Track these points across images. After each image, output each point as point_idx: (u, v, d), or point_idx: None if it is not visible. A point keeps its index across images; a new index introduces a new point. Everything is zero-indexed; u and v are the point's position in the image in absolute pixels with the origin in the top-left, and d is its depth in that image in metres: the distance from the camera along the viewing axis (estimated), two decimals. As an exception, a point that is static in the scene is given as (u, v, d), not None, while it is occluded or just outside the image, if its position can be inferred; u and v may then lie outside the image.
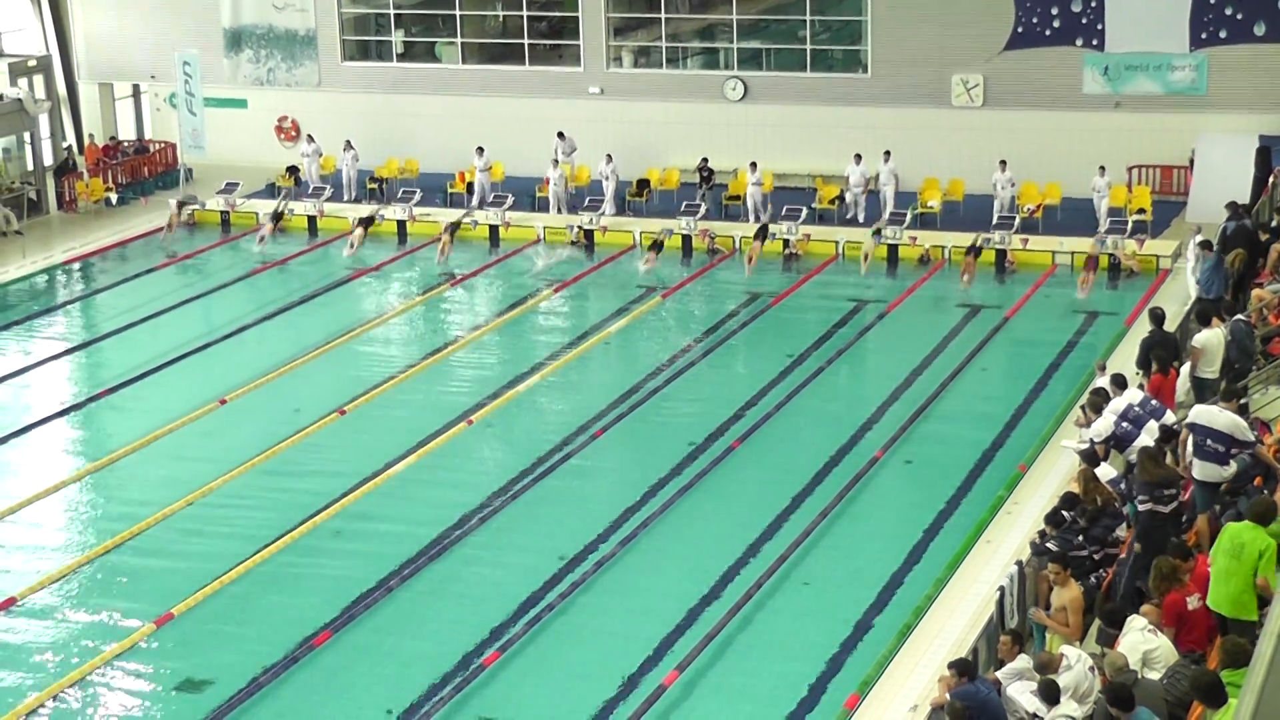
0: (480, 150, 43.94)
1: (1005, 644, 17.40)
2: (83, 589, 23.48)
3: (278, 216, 42.58)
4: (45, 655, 21.45)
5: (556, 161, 43.44)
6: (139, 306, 36.82)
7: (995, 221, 38.81)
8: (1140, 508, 18.83)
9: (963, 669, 16.85)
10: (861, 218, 40.96)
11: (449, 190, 44.87)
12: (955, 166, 42.20)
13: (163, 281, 39.10)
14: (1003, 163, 39.78)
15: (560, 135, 44.60)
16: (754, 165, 41.57)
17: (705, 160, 43.10)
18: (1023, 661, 17.10)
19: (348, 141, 45.33)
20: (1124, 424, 22.61)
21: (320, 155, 45.92)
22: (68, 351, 34.25)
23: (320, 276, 39.22)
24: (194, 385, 31.51)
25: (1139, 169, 41.39)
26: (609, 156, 42.73)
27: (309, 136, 46.54)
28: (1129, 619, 17.11)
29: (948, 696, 16.68)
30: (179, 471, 27.34)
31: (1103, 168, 39.00)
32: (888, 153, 40.86)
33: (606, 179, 42.52)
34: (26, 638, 21.96)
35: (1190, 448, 20.54)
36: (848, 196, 41.27)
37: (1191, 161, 39.74)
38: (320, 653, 21.25)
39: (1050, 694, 15.96)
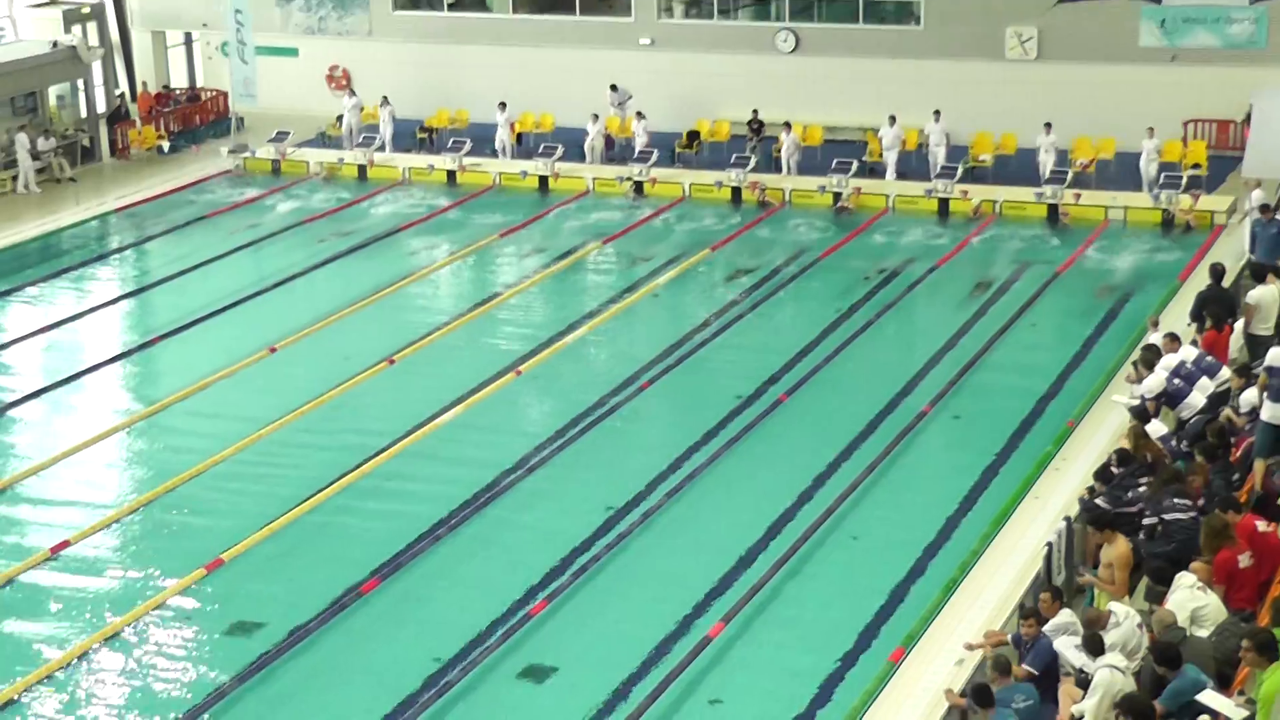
0: (502, 105, 43.85)
1: (1046, 600, 17.36)
2: (133, 534, 23.68)
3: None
4: (97, 599, 21.64)
5: (597, 116, 43.22)
6: (190, 254, 36.98)
7: (1047, 177, 38.50)
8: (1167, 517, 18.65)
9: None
10: (892, 176, 40.67)
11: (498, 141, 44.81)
12: (1008, 121, 41.85)
13: (214, 229, 39.23)
14: (1048, 125, 39.34)
15: (613, 87, 44.44)
16: (788, 125, 41.31)
17: (756, 112, 42.91)
18: (1065, 616, 17.08)
19: (385, 97, 45.29)
20: (1176, 380, 22.52)
21: (361, 108, 45.90)
22: (119, 298, 34.44)
23: (370, 226, 39.27)
24: (244, 333, 31.65)
25: (1194, 123, 40.99)
26: (640, 114, 42.59)
27: (350, 90, 46.55)
28: (1178, 576, 17.07)
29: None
30: (229, 419, 27.49)
31: (1151, 129, 38.47)
32: (937, 112, 40.49)
33: (638, 135, 42.40)
34: (78, 582, 22.15)
35: (1260, 393, 20.49)
36: (886, 157, 40.93)
37: (1248, 116, 39.28)
38: (368, 600, 21.37)
39: (1094, 648, 15.95)
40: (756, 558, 22.17)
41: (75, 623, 20.97)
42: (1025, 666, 16.61)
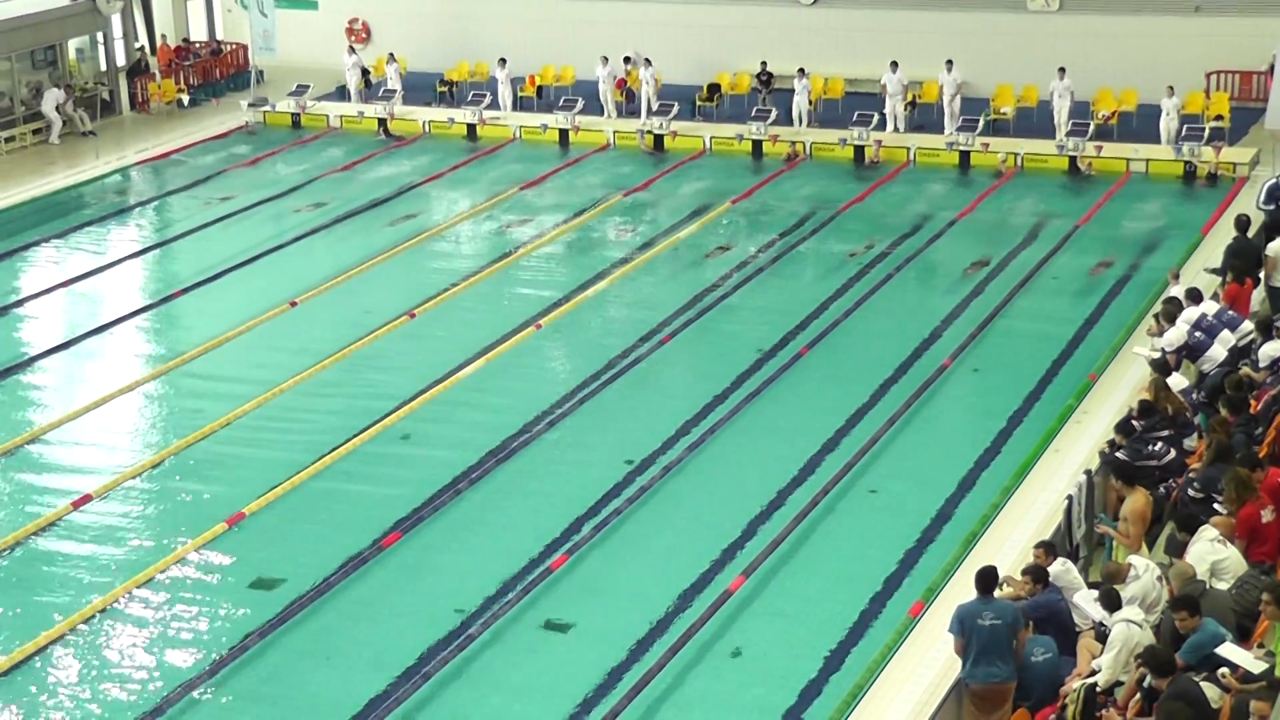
0: (502, 61, 43.72)
1: (1040, 555, 17.34)
2: (155, 488, 23.76)
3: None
4: (120, 552, 21.75)
5: (606, 59, 43.00)
6: (210, 208, 37.01)
7: (1068, 129, 38.31)
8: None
9: (1036, 576, 16.88)
10: (901, 128, 40.49)
11: (519, 94, 44.73)
12: (1030, 73, 41.64)
13: (234, 183, 39.25)
14: (1061, 70, 39.10)
15: (626, 59, 44.04)
16: (801, 71, 41.12)
17: (764, 64, 42.79)
18: (1059, 565, 17.12)
19: (390, 54, 45.20)
20: (1197, 334, 22.48)
21: (361, 66, 45.77)
22: (140, 252, 34.48)
23: (389, 180, 39.25)
24: (265, 287, 31.70)
25: (1217, 75, 40.75)
26: (646, 60, 42.43)
27: (350, 47, 46.43)
28: (1200, 529, 17.05)
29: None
30: (250, 372, 27.56)
31: (1171, 88, 38.21)
32: (949, 62, 40.22)
33: (645, 83, 42.24)
34: (102, 534, 22.26)
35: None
36: (886, 106, 40.67)
37: (1272, 67, 39.03)
38: (389, 554, 21.45)
39: (1112, 602, 15.97)
40: (777, 511, 22.20)
41: (98, 576, 21.07)
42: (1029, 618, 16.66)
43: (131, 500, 23.36)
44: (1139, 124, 39.53)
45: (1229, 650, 14.54)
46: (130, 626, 19.94)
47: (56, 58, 44.42)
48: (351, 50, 46.22)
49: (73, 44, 45.32)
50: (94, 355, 29.06)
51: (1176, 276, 25.81)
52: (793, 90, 41.26)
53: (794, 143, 39.64)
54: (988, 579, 16.18)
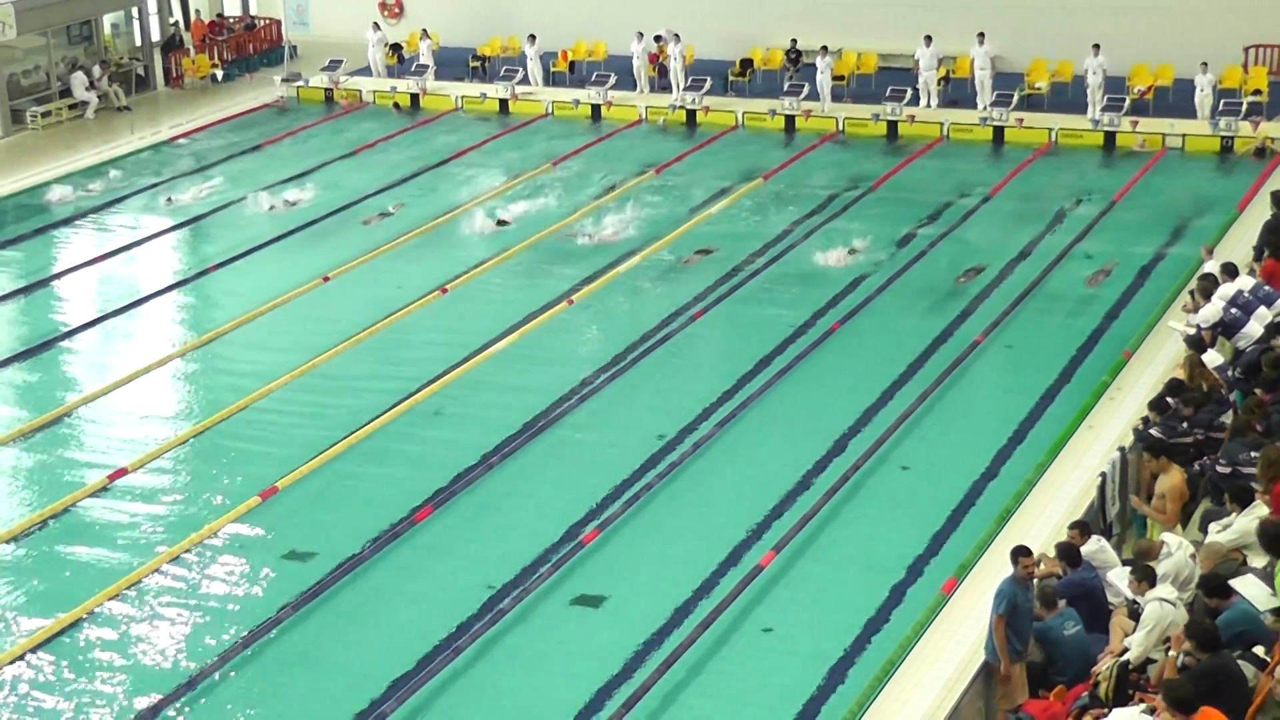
0: (532, 38, 43.67)
1: (1075, 535, 17.29)
2: (189, 462, 23.87)
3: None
4: (153, 526, 21.85)
5: (641, 34, 42.90)
6: (244, 183, 37.07)
7: (1103, 105, 38.10)
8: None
9: (1067, 555, 16.83)
10: (934, 104, 40.30)
11: (551, 69, 44.69)
12: (1064, 47, 41.37)
13: (267, 159, 39.32)
14: (1095, 46, 38.81)
15: (657, 38, 43.86)
16: (825, 49, 40.95)
17: (795, 42, 42.67)
18: (1094, 544, 17.07)
19: (424, 30, 45.24)
20: (1233, 310, 22.31)
21: (385, 43, 45.76)
22: (174, 228, 34.53)
23: (422, 155, 39.26)
24: (298, 262, 31.76)
25: (1255, 49, 40.44)
26: (676, 36, 42.33)
27: (374, 24, 46.39)
28: (1253, 504, 16.92)
29: (1052, 579, 16.69)
30: (283, 347, 27.63)
31: (1205, 64, 37.92)
32: (981, 35, 40.01)
33: (673, 59, 42.15)
34: (135, 509, 22.37)
35: None
36: (919, 81, 40.48)
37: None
38: (421, 528, 21.50)
39: (1146, 577, 15.91)
40: (808, 487, 22.17)
41: (132, 549, 21.18)
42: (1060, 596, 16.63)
43: (166, 474, 23.46)
44: (1175, 99, 39.28)
45: (1246, 583, 14.53)
46: (165, 598, 20.04)
47: (92, 33, 44.56)
48: (376, 26, 46.17)
49: (108, 19, 45.47)
50: (128, 330, 29.17)
51: (1210, 252, 25.66)
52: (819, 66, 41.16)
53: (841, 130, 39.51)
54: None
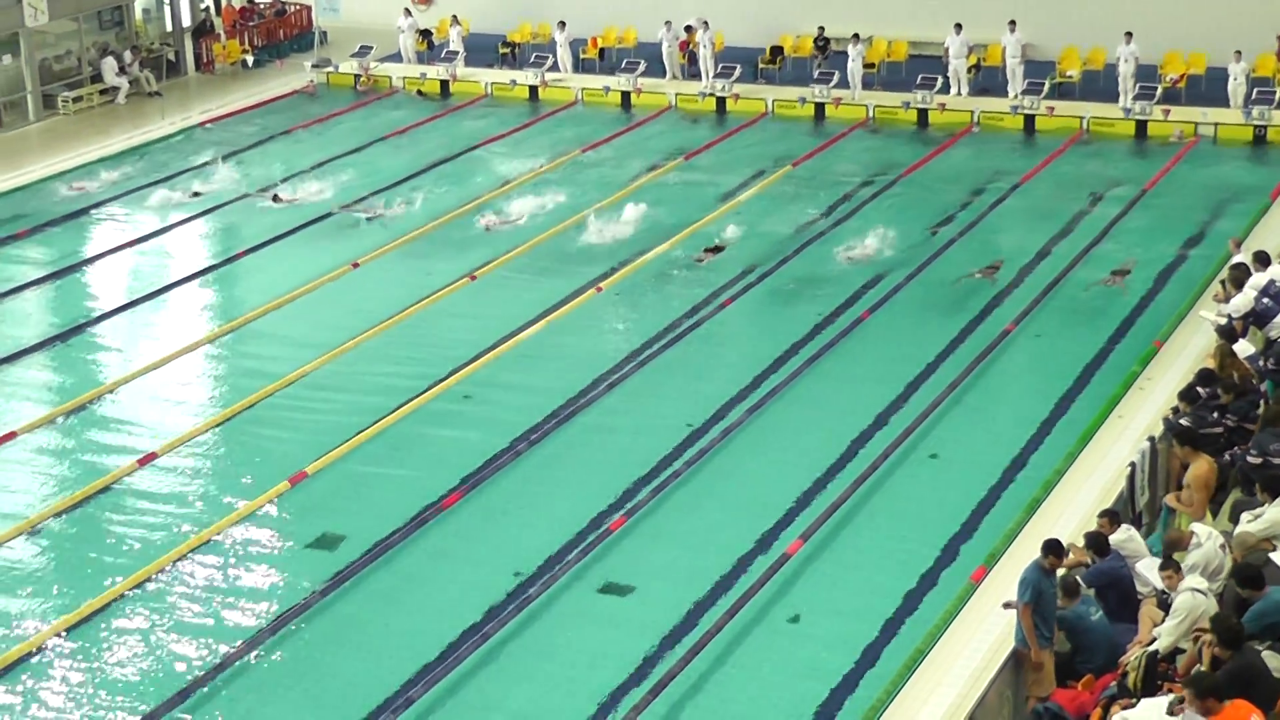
0: (561, 24, 43.67)
1: (1105, 524, 17.24)
2: (219, 447, 23.94)
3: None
4: (184, 508, 21.93)
5: (669, 23, 42.83)
6: (274, 170, 37.15)
7: (1135, 94, 37.94)
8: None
9: (1095, 545, 16.78)
10: (964, 91, 40.16)
11: (581, 56, 44.66)
12: (1096, 35, 41.17)
13: (297, 145, 39.40)
14: (1128, 35, 38.61)
15: (687, 28, 43.77)
16: (856, 36, 40.86)
17: (822, 29, 42.57)
18: (1123, 533, 17.02)
19: (454, 16, 45.29)
20: (1264, 300, 22.22)
21: (415, 30, 45.79)
22: (205, 213, 34.58)
23: (452, 142, 39.29)
24: (328, 248, 31.81)
25: (1290, 38, 40.26)
26: (705, 24, 42.25)
27: (405, 10, 46.39)
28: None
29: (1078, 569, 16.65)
30: (312, 332, 27.69)
31: (1239, 52, 37.70)
32: (1012, 22, 39.83)
33: (702, 46, 42.09)
34: (167, 491, 22.46)
35: None
36: (949, 69, 40.34)
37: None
38: (449, 515, 21.53)
39: (1177, 572, 15.86)
40: (836, 475, 22.15)
41: (163, 532, 21.26)
42: (1084, 583, 16.58)
43: (195, 458, 23.54)
44: (1208, 87, 39.08)
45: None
46: (194, 582, 20.12)
47: (123, 18, 44.69)
48: (407, 12, 46.20)
49: (139, 4, 45.66)
50: (159, 315, 29.29)
51: (1239, 245, 25.52)
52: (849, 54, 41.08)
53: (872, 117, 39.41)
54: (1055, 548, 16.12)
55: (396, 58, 45.88)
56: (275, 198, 34.67)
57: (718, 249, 30.88)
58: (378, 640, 18.86)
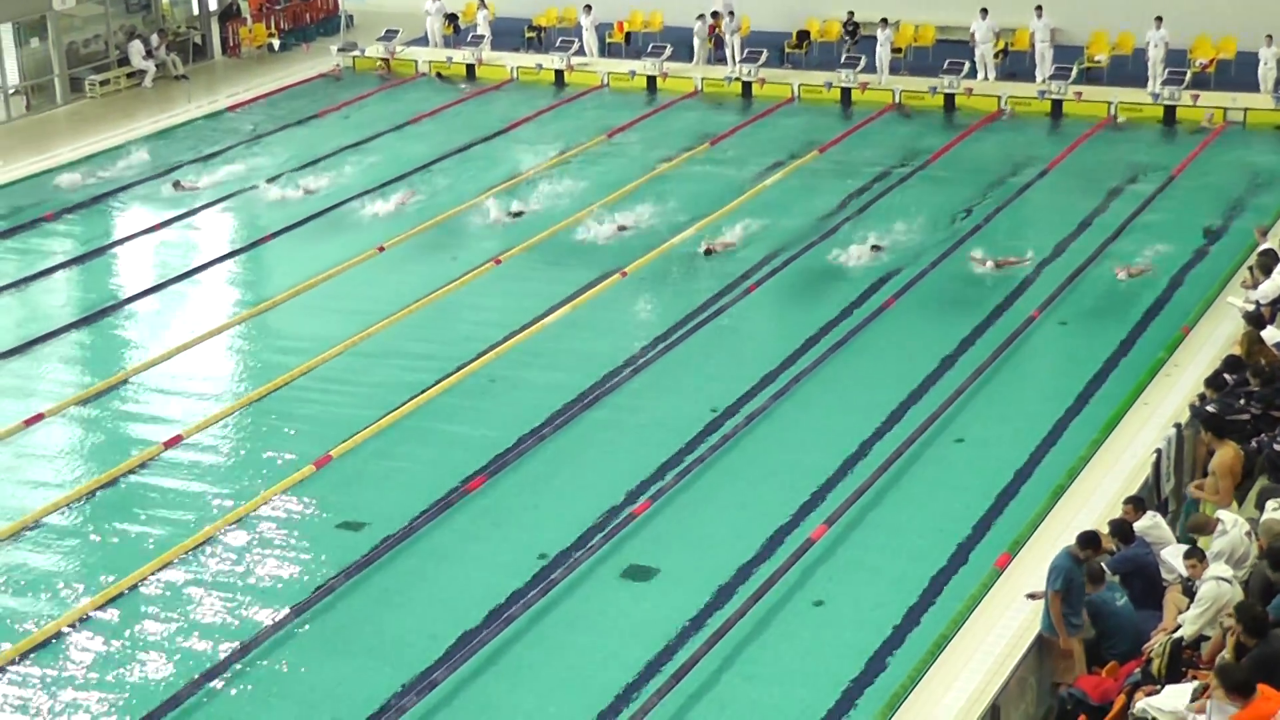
0: (588, 8, 43.60)
1: (1129, 511, 17.20)
2: (244, 430, 24.01)
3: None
4: (208, 494, 21.99)
5: (702, 16, 42.80)
6: (299, 153, 37.19)
7: (1164, 78, 37.78)
8: None
9: (1120, 532, 16.74)
10: (991, 76, 40.03)
11: (607, 40, 44.63)
12: (1124, 20, 40.98)
13: (322, 129, 39.44)
14: (1158, 19, 38.42)
15: (714, 13, 43.65)
16: (884, 21, 40.72)
17: (851, 14, 42.46)
18: (1148, 520, 16.99)
19: (481, 0, 45.24)
20: (1293, 286, 22.13)
21: (443, 13, 45.77)
22: (229, 196, 34.64)
23: (477, 125, 39.29)
24: (353, 232, 31.85)
25: (1321, 22, 40.02)
26: (731, 12, 42.18)
27: None
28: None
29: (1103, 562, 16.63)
30: (338, 317, 27.73)
31: (1270, 36, 37.50)
32: (1039, 8, 39.68)
33: (732, 34, 42.00)
34: (192, 474, 22.53)
35: None
36: (977, 54, 40.19)
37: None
38: (474, 498, 21.56)
39: (1202, 560, 15.83)
40: (861, 460, 22.12)
41: (189, 515, 21.33)
42: (1109, 570, 16.56)
43: (221, 441, 23.61)
44: (1237, 72, 38.90)
45: None
46: (219, 565, 20.18)
47: (150, 2, 44.80)
48: (434, -4, 46.32)
49: (166, -12, 45.75)
50: (185, 298, 29.35)
51: (1265, 233, 25.40)
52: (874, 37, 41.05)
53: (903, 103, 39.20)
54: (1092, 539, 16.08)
55: (422, 41, 45.89)
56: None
57: (709, 251, 30.29)
58: (402, 622, 18.89)
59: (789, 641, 18.28)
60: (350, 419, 23.84)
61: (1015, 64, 40.92)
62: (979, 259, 28.46)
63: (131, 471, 22.56)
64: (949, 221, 31.45)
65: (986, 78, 39.94)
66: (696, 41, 42.63)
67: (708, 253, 29.77)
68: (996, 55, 40.44)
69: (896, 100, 39.45)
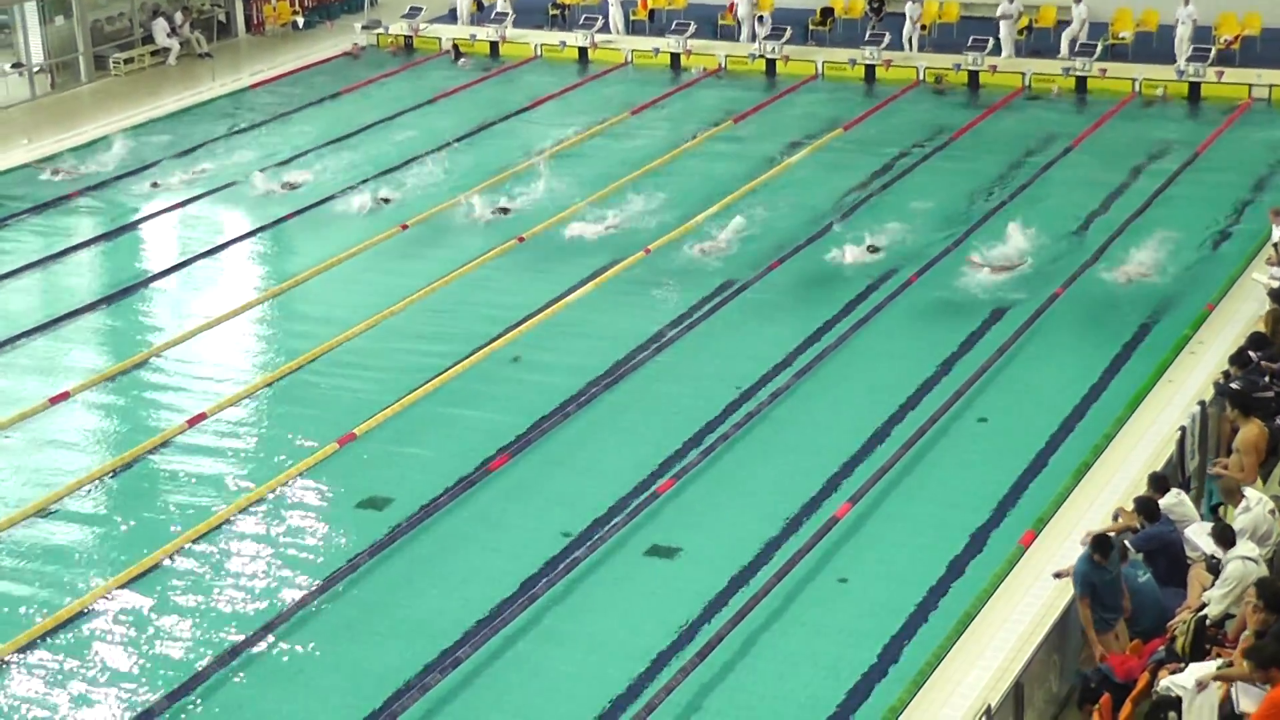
0: None
1: (1154, 490, 17.16)
2: (268, 408, 24.08)
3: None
4: (233, 471, 22.07)
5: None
6: (324, 131, 37.21)
7: (1186, 54, 37.62)
8: None
9: (1145, 510, 16.71)
10: (1009, 53, 39.89)
11: (631, 17, 44.53)
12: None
13: (347, 106, 39.46)
14: None
15: None
16: None
17: (878, -12, 42.48)
18: (1173, 498, 16.97)
19: None
20: (1318, 264, 22.04)
21: None
22: (254, 174, 34.58)
23: (501, 103, 39.27)
24: (376, 210, 31.85)
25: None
26: None
27: None
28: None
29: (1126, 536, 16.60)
30: (361, 295, 27.77)
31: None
32: (1078, -12, 39.65)
33: (744, 12, 41.95)
34: (216, 452, 22.59)
35: None
36: (1001, 30, 40.04)
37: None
38: (497, 476, 21.59)
39: (1225, 538, 15.80)
40: (885, 439, 22.10)
41: (212, 493, 21.40)
42: (1132, 548, 16.53)
43: (244, 420, 23.68)
44: (1263, 48, 38.69)
45: None
46: (243, 543, 20.25)
47: (174, -20, 44.87)
48: (461, -29, 46.28)
49: (190, -34, 45.74)
50: (207, 277, 29.41)
51: (1278, 213, 25.25)
52: (905, 15, 40.89)
53: (941, 77, 39.04)
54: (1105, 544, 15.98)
55: (445, 18, 45.85)
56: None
57: (723, 247, 30.18)
58: (427, 600, 18.94)
59: (813, 618, 18.29)
60: (374, 397, 23.87)
61: (1039, 41, 40.71)
62: (978, 262, 27.97)
63: (155, 449, 22.62)
64: (972, 200, 31.36)
65: (1003, 54, 39.78)
66: (742, 12, 42.56)
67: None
68: (1021, 32, 40.28)
69: (920, 78, 39.32)
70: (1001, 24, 39.85)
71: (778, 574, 18.87)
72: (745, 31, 42.35)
